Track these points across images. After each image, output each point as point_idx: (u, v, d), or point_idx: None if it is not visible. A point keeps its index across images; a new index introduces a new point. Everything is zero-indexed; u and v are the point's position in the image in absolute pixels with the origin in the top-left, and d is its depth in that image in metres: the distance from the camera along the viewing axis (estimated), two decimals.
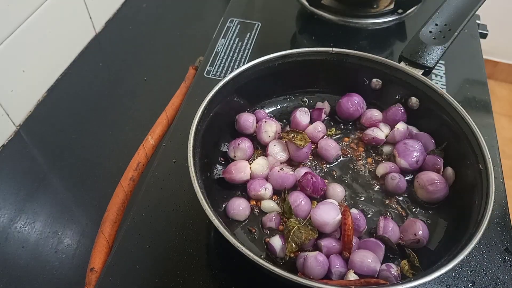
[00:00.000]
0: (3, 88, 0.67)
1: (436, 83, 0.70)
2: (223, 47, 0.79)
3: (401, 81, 0.61)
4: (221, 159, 0.59)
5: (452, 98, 0.56)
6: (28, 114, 0.74)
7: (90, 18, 0.85)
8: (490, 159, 0.49)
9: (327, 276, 0.47)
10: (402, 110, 0.61)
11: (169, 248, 0.53)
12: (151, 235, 0.54)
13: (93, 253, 0.55)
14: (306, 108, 0.62)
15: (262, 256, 0.48)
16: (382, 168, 0.57)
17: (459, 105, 0.55)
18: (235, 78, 0.58)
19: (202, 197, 0.45)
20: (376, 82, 0.63)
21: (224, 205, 0.54)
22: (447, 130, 0.57)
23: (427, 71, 0.62)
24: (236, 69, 0.59)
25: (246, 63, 0.59)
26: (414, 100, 0.61)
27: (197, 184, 0.46)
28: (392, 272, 0.47)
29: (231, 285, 0.50)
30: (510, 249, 0.53)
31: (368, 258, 0.46)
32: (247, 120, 0.60)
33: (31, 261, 0.57)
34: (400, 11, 0.81)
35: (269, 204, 0.54)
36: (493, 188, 0.47)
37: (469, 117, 0.54)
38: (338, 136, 0.62)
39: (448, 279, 0.51)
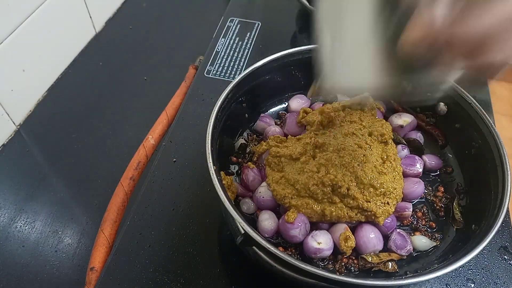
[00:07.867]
0: (3, 88, 0.67)
1: None
2: (223, 47, 0.79)
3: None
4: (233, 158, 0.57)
5: (480, 107, 0.54)
6: (28, 113, 0.74)
7: (90, 17, 0.85)
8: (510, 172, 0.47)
9: None
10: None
11: (169, 248, 0.53)
12: (151, 235, 0.54)
13: (93, 252, 0.55)
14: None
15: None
16: None
17: (486, 114, 0.52)
18: (263, 66, 0.55)
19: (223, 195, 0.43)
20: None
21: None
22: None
23: None
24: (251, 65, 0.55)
25: (247, 62, 0.58)
26: (441, 106, 0.59)
27: (215, 177, 0.44)
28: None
29: (231, 285, 0.50)
30: (510, 248, 0.53)
31: None
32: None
33: (31, 261, 0.57)
34: None
35: None
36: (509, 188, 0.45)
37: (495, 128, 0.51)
38: None
39: (447, 278, 0.51)
